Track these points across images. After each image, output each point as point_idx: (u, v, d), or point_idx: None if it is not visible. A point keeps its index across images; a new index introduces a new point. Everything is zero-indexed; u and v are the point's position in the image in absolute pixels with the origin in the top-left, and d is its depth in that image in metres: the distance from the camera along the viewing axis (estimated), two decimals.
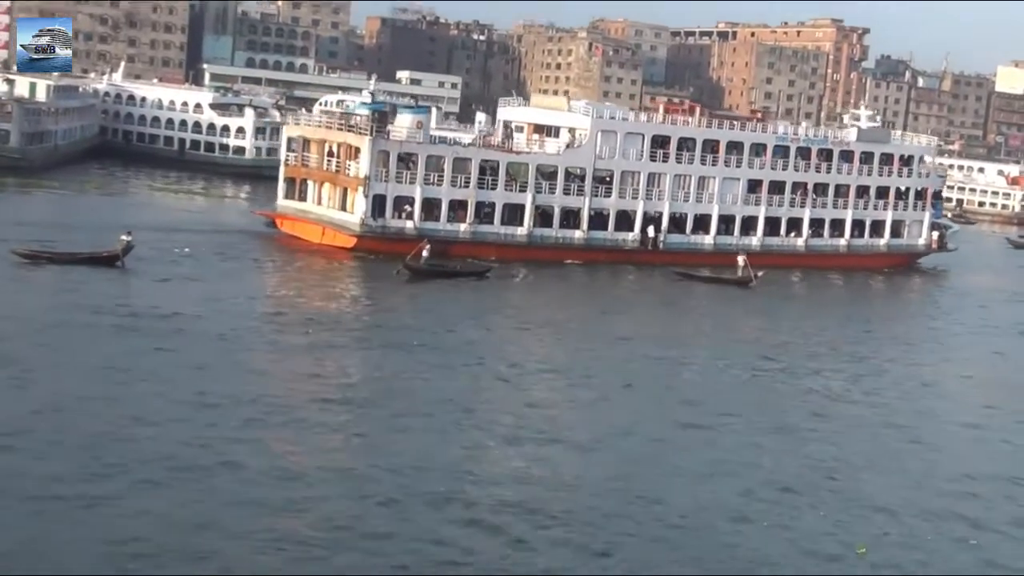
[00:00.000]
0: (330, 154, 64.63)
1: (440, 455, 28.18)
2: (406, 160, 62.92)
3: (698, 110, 74.03)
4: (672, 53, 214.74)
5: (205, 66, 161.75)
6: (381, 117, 64.96)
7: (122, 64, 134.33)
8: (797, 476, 29.36)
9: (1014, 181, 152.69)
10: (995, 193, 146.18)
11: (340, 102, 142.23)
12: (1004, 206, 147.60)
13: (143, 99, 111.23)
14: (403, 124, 64.14)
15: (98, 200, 79.05)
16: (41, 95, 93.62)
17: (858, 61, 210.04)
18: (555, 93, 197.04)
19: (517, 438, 30.32)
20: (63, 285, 45.44)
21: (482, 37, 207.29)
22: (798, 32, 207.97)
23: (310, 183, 65.70)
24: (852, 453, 32.01)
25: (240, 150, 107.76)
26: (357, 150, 62.26)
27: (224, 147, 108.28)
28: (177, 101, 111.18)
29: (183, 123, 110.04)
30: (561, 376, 38.47)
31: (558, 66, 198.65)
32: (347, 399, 33.01)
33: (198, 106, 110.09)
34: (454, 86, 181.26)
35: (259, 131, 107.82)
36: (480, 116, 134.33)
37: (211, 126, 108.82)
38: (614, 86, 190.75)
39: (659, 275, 63.70)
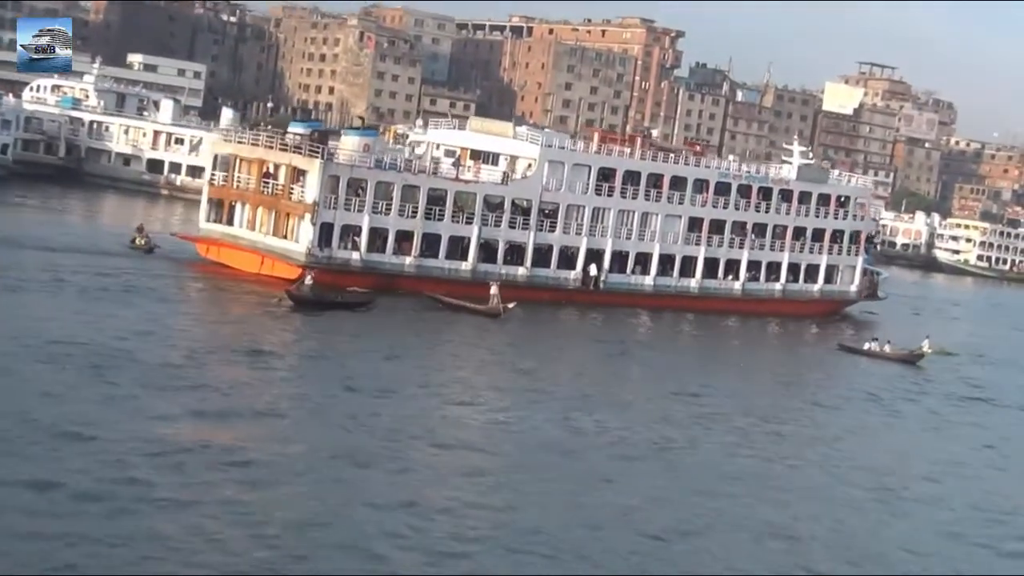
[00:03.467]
0: (267, 175, 73.54)
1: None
2: (354, 186, 72.48)
3: (639, 140, 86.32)
4: (457, 49, 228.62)
5: None
6: (322, 137, 74.29)
7: None
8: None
9: None
10: None
11: (56, 87, 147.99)
12: None
13: None
14: (349, 146, 73.75)
15: None
16: None
17: (670, 68, 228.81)
18: (319, 89, 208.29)
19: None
20: None
21: (233, 19, 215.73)
22: (603, 32, 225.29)
23: (239, 206, 74.48)
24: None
25: None
26: (303, 173, 71.24)
27: None
28: None
29: None
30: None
31: (323, 58, 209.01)
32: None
33: None
34: (197, 75, 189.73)
35: None
36: (227, 112, 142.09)
37: None
38: (388, 84, 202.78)
39: (598, 316, 73.83)
